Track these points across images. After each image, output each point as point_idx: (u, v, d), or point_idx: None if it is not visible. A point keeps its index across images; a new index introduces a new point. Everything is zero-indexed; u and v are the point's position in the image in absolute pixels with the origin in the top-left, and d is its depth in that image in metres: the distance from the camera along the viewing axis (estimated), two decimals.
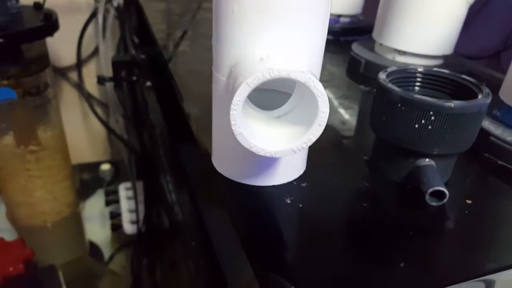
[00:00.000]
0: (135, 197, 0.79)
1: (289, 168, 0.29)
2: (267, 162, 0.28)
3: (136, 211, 0.78)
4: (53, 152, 0.82)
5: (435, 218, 0.28)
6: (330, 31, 0.69)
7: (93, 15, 0.91)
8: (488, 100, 0.28)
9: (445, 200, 0.27)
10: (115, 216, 0.89)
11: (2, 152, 0.78)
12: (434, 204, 0.27)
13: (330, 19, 0.76)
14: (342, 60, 0.58)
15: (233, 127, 0.22)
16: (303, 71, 0.21)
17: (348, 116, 0.41)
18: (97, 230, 1.02)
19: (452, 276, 0.23)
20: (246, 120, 0.24)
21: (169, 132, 0.57)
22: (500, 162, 0.35)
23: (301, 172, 0.30)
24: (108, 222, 0.97)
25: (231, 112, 0.22)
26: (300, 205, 0.27)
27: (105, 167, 1.06)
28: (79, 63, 0.94)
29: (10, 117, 0.76)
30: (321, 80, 0.22)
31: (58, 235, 0.92)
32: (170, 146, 0.55)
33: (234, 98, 0.21)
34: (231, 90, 0.25)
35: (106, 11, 0.87)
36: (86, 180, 1.07)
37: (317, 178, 0.30)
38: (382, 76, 0.30)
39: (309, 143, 0.23)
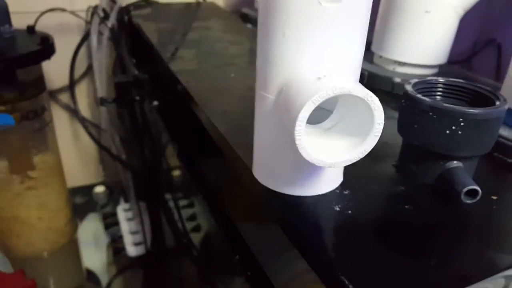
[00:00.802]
0: (140, 217, 0.79)
1: (333, 178, 0.31)
2: (313, 173, 0.30)
3: (143, 231, 0.78)
4: (49, 178, 0.81)
5: (470, 214, 0.30)
6: None
7: (86, 36, 0.91)
8: (506, 106, 0.31)
9: (478, 197, 0.29)
10: (116, 239, 0.89)
11: None
12: (469, 201, 0.30)
13: None
14: None
15: (297, 142, 0.24)
16: (361, 87, 0.23)
17: None
18: (92, 256, 1.00)
19: (488, 269, 0.26)
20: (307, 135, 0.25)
21: (182, 149, 0.58)
22: (509, 161, 0.39)
23: (341, 180, 0.32)
24: (103, 247, 0.96)
25: (296, 128, 0.24)
26: (349, 212, 0.29)
27: (99, 189, 1.05)
28: (72, 85, 0.94)
29: (6, 144, 0.75)
30: None
31: (55, 264, 0.90)
32: (187, 163, 0.56)
33: (300, 115, 0.23)
34: (283, 108, 0.27)
35: (100, 33, 0.87)
36: (79, 204, 1.06)
37: (356, 186, 0.32)
38: (409, 87, 0.33)
39: (365, 153, 0.25)
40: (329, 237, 0.28)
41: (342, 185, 0.32)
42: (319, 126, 0.28)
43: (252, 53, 0.64)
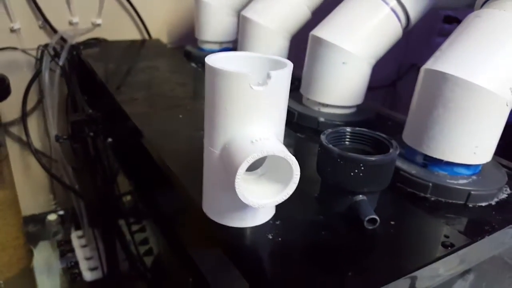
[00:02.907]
0: (95, 242, 0.83)
1: (266, 212, 0.40)
2: (251, 209, 0.38)
3: (99, 256, 0.82)
4: (6, 212, 0.83)
5: (372, 236, 0.39)
6: None
7: (37, 73, 0.95)
8: (397, 152, 0.41)
9: (377, 224, 0.39)
10: (72, 266, 0.92)
11: None
12: (370, 227, 0.39)
13: None
14: None
15: (237, 190, 0.32)
16: (283, 150, 0.32)
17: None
18: (47, 283, 1.02)
19: (390, 275, 0.35)
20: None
21: (137, 184, 0.64)
22: (409, 190, 0.49)
23: (273, 213, 0.41)
24: (57, 273, 0.99)
25: (236, 181, 0.32)
26: (280, 239, 0.37)
27: (52, 217, 1.07)
28: (24, 119, 0.97)
29: None
30: None
31: None
32: (142, 197, 0.63)
33: (238, 171, 0.31)
34: (225, 161, 0.35)
35: (51, 70, 0.92)
36: (31, 233, 1.08)
37: (284, 216, 0.41)
38: (323, 138, 0.42)
39: (288, 196, 0.34)
40: (264, 259, 0.36)
41: (275, 216, 0.40)
42: (254, 173, 0.37)
43: (196, 95, 0.72)
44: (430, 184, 0.48)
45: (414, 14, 0.63)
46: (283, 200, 0.34)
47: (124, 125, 0.64)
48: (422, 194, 0.48)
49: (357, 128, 0.45)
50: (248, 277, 0.34)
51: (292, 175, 0.33)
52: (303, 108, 0.67)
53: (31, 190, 1.10)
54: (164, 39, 1.11)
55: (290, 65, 0.35)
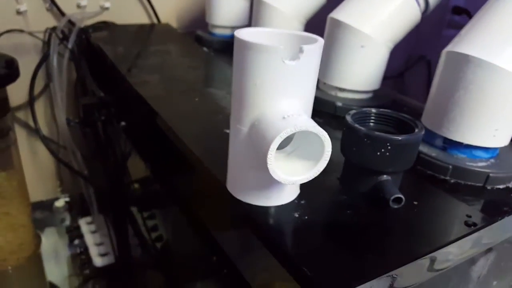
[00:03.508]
0: (107, 227, 0.83)
1: (292, 191, 0.39)
2: (277, 188, 0.38)
3: (111, 241, 0.82)
4: (14, 196, 0.83)
5: (396, 216, 0.39)
6: None
7: (44, 57, 0.94)
8: (422, 132, 0.40)
9: (402, 203, 0.39)
10: (82, 252, 0.92)
11: None
12: (395, 207, 0.39)
13: None
14: None
15: (269, 167, 0.32)
16: (315, 126, 0.31)
17: None
18: (54, 269, 1.02)
19: (416, 253, 0.35)
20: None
21: (154, 166, 0.64)
22: (429, 172, 0.49)
23: (298, 192, 0.40)
24: (65, 260, 0.99)
25: (269, 157, 0.31)
26: (306, 217, 0.37)
27: (59, 203, 1.07)
28: (32, 104, 0.96)
29: None
30: None
31: (19, 279, 0.91)
32: (160, 179, 0.62)
33: (271, 147, 0.31)
34: (255, 139, 0.34)
35: (59, 54, 0.91)
36: (39, 219, 1.07)
37: (309, 196, 0.40)
38: (348, 117, 0.42)
39: (318, 173, 0.33)
40: (291, 238, 0.36)
41: (299, 196, 0.40)
42: (283, 151, 0.36)
43: (210, 79, 0.72)
44: (450, 167, 0.48)
45: None
46: (314, 177, 0.33)
47: (139, 108, 0.63)
48: (442, 177, 0.48)
49: (382, 109, 0.45)
50: (275, 254, 0.34)
51: (324, 151, 0.33)
52: (320, 93, 0.66)
53: (39, 176, 1.09)
54: (174, 23, 1.10)
55: (321, 41, 0.35)
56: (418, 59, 1.53)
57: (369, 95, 0.67)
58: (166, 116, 0.55)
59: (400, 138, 0.39)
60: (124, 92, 0.70)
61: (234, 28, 0.94)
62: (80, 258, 0.93)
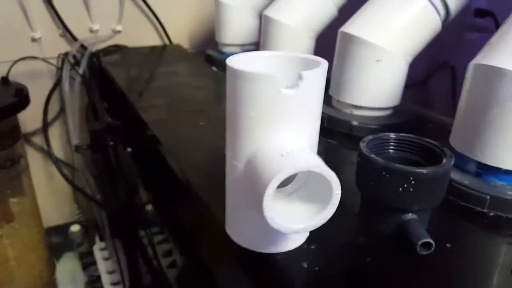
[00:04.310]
0: (116, 256, 0.79)
1: (299, 234, 0.34)
2: (281, 233, 0.32)
3: (120, 271, 0.79)
4: (27, 223, 0.81)
5: (426, 263, 0.33)
6: None
7: (58, 82, 0.93)
8: (452, 162, 0.35)
9: (432, 249, 0.33)
10: (94, 279, 0.89)
11: None
12: (424, 253, 0.33)
13: None
14: None
15: (265, 213, 0.27)
16: (319, 164, 0.26)
17: None
18: None
19: None
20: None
21: (156, 196, 0.60)
22: (462, 203, 0.42)
23: (307, 235, 0.35)
24: (80, 286, 0.96)
25: (265, 201, 0.26)
26: (316, 268, 0.32)
27: (75, 228, 1.05)
28: (46, 129, 0.95)
29: None
30: None
31: None
32: (160, 210, 0.58)
33: (266, 192, 0.26)
34: (251, 178, 0.30)
35: (71, 78, 0.89)
36: (55, 244, 1.05)
37: (321, 239, 0.35)
38: (363, 145, 0.36)
39: (326, 220, 0.28)
40: None
41: (309, 240, 0.35)
42: (283, 191, 0.31)
43: (218, 100, 0.68)
44: (487, 197, 0.41)
45: (454, 5, 0.57)
46: (320, 225, 0.28)
47: (142, 133, 0.60)
48: (479, 209, 0.42)
49: (402, 134, 0.39)
50: None
51: (332, 195, 0.27)
52: (334, 111, 0.61)
53: (55, 200, 1.08)
54: (185, 44, 1.07)
55: (324, 64, 0.30)
56: (440, 65, 1.45)
57: (388, 111, 0.61)
58: (166, 141, 0.51)
59: (425, 171, 0.33)
60: (130, 117, 0.67)
61: (244, 45, 0.91)
62: (93, 286, 0.89)
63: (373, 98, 0.59)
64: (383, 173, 0.34)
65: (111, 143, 0.73)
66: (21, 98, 0.71)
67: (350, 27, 0.58)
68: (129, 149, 0.67)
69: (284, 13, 0.74)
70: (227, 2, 0.86)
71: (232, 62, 0.30)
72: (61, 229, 1.07)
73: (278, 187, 0.31)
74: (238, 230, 0.35)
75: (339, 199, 0.28)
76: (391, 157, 0.38)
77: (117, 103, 0.80)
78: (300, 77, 0.27)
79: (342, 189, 0.27)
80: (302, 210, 0.29)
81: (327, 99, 0.64)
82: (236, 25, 0.89)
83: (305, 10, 0.74)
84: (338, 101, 0.61)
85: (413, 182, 0.33)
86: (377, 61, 0.56)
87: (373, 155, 0.35)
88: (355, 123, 0.58)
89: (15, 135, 0.76)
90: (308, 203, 0.29)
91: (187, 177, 0.44)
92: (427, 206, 0.35)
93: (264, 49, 0.78)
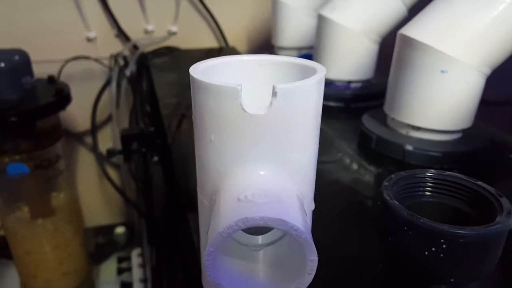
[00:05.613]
0: (144, 267, 0.76)
1: None
2: None
3: (145, 281, 0.75)
4: (66, 222, 0.81)
5: None
6: (340, 98, 0.66)
7: (108, 83, 0.92)
8: (510, 221, 0.24)
9: None
10: (126, 286, 0.86)
11: (16, 224, 0.78)
12: None
13: (340, 86, 0.72)
14: (352, 132, 0.55)
15: (208, 278, 0.19)
16: (283, 219, 0.18)
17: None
18: None
19: None
20: (225, 259, 0.21)
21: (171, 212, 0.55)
22: None
23: None
24: None
25: (206, 262, 0.19)
26: None
27: (120, 230, 1.04)
28: (94, 129, 0.95)
29: (23, 190, 0.76)
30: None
31: None
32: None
33: (208, 248, 0.19)
34: (212, 219, 0.22)
35: (121, 79, 0.88)
36: (101, 244, 1.06)
37: None
38: (386, 186, 0.27)
39: None
40: None
41: None
42: (246, 245, 0.23)
43: None
44: None
45: None
46: None
47: (165, 143, 0.55)
48: None
49: (447, 173, 0.29)
50: None
51: (306, 262, 0.19)
52: (385, 131, 0.51)
53: (103, 200, 1.08)
54: (241, 47, 1.02)
55: (319, 74, 0.22)
56: None
57: (456, 135, 0.49)
58: (177, 156, 0.45)
59: (464, 233, 0.23)
60: (158, 124, 0.62)
61: (300, 49, 0.82)
62: None
63: (435, 118, 0.48)
64: (405, 228, 0.24)
65: (143, 150, 0.69)
66: (60, 97, 0.70)
67: (411, 30, 0.48)
68: (155, 158, 0.63)
69: (342, 12, 0.64)
70: (286, 1, 0.79)
71: (197, 68, 0.23)
72: (108, 230, 1.07)
73: (248, 232, 0.23)
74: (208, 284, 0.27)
75: (315, 267, 0.19)
76: (427, 204, 0.29)
77: (154, 108, 0.76)
78: (274, 93, 0.20)
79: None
80: (272, 273, 0.21)
81: (381, 117, 0.54)
82: (294, 26, 0.81)
83: (368, 9, 0.63)
84: (392, 119, 0.51)
85: (444, 246, 0.23)
86: (442, 72, 0.45)
87: (395, 201, 0.26)
88: (409, 147, 0.48)
89: (55, 135, 0.75)
90: (277, 268, 0.21)
91: (184, 202, 0.38)
92: (467, 278, 0.25)
93: (317, 54, 0.70)
